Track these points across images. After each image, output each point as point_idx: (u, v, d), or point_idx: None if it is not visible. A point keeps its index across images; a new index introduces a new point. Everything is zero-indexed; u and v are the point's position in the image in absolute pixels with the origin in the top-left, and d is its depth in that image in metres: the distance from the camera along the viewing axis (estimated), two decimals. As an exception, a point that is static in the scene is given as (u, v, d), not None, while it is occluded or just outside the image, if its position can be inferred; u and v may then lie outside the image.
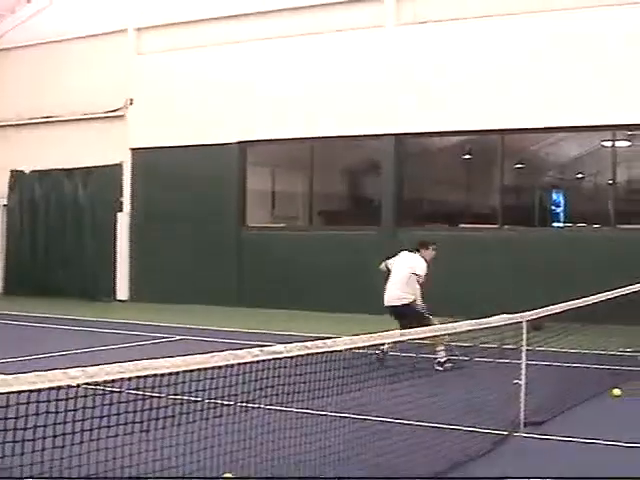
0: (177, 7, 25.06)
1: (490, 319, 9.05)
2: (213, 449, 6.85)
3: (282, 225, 24.69)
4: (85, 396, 5.72)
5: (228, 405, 7.10)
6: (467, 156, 23.69)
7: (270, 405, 7.66)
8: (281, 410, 7.93)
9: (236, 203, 23.92)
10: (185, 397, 6.61)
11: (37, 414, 5.21)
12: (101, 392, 5.98)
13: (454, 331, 8.53)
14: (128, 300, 25.33)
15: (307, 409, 8.11)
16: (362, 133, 22.25)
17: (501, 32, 20.64)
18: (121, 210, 25.68)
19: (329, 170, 24.76)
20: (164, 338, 17.02)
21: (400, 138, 21.89)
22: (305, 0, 23.02)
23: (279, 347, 6.43)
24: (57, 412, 5.42)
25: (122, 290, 25.55)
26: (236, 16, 24.02)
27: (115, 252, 25.56)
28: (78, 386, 5.05)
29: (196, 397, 6.81)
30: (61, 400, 5.39)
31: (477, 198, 25.22)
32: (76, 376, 4.88)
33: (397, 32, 21.90)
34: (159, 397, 6.29)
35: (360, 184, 26.33)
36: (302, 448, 7.52)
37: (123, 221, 25.60)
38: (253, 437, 7.37)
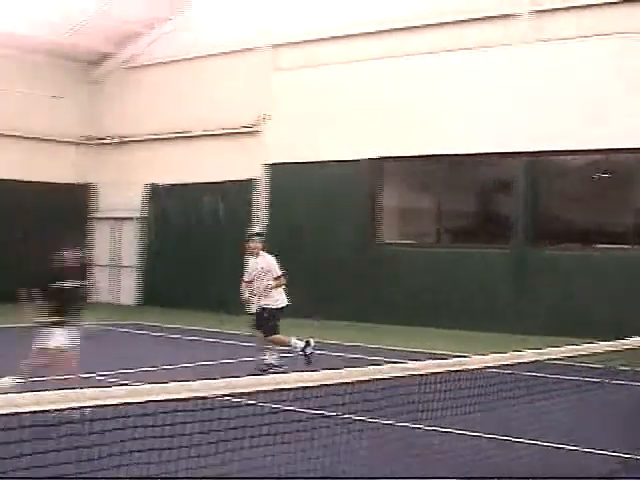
0: (314, 24, 25.34)
1: (626, 340, 8.94)
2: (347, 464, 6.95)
3: (411, 242, 24.64)
4: (222, 407, 5.91)
5: (362, 421, 7.18)
6: (602, 175, 23.17)
7: (403, 422, 7.73)
8: (413, 427, 7.98)
9: (368, 219, 24.04)
10: (321, 412, 6.72)
11: (184, 423, 5.44)
12: (236, 404, 6.16)
13: (591, 352, 8.46)
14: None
15: (435, 427, 8.14)
16: (494, 151, 22.10)
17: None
18: (256, 225, 25.97)
19: (459, 188, 24.59)
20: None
21: (534, 157, 21.67)
22: (445, 17, 23.01)
23: (411, 364, 6.52)
24: (196, 422, 5.64)
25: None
26: (373, 33, 24.19)
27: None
28: (223, 396, 5.27)
29: (330, 412, 6.92)
30: (206, 410, 5.60)
31: (611, 218, 24.68)
32: (220, 387, 5.11)
33: (532, 49, 21.71)
34: (303, 412, 6.42)
35: (490, 202, 26.09)
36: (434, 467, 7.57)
37: (258, 236, 25.76)
38: (388, 453, 7.44)
